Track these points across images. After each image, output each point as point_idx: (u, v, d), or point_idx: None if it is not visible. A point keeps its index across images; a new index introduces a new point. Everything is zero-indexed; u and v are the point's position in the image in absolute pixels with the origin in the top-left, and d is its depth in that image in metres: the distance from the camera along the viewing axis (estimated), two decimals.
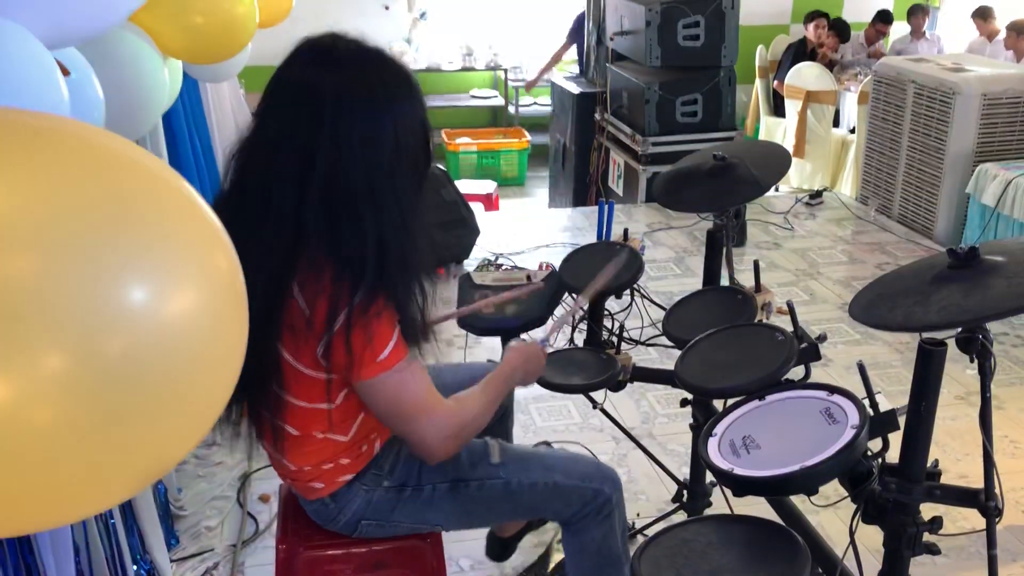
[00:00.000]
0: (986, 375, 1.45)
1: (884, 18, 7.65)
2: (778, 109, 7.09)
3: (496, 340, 2.86)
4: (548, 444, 2.95)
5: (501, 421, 2.08)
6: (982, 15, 7.26)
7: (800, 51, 7.10)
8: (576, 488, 1.80)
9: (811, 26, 7.19)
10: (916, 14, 7.51)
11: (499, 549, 2.30)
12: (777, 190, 5.95)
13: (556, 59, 7.47)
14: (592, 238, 2.94)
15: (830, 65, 6.96)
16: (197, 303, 0.95)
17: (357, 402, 1.60)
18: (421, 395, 1.54)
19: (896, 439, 1.51)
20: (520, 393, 2.33)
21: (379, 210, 1.46)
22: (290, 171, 1.45)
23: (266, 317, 1.44)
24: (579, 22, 7.02)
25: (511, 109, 8.48)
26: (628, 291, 2.27)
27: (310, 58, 1.50)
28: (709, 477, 2.38)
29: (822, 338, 1.83)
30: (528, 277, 2.33)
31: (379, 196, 1.46)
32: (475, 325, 2.20)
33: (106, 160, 0.97)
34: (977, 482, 1.51)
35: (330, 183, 1.44)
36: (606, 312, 2.32)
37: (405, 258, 1.49)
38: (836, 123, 6.64)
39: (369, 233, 1.45)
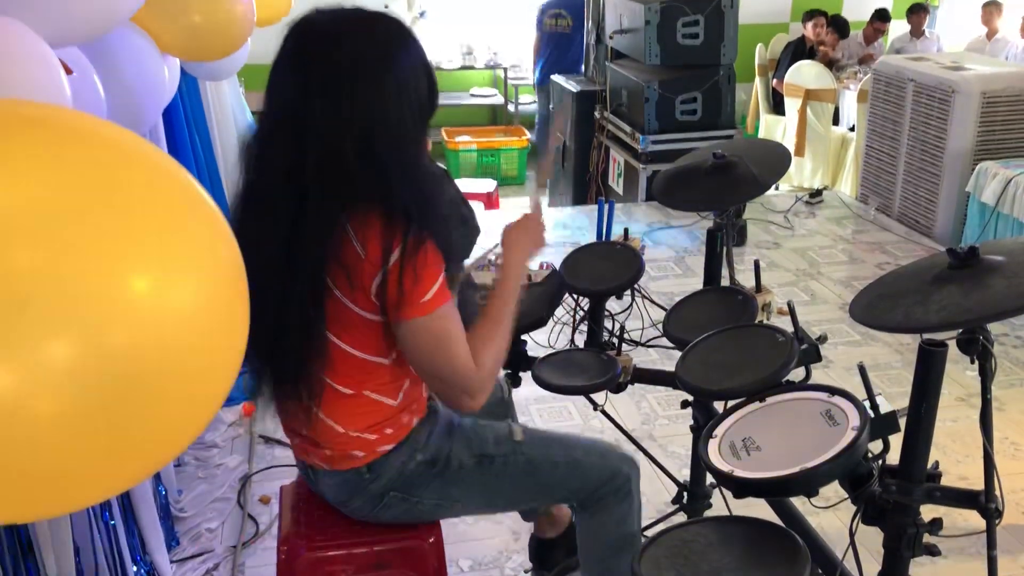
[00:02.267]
0: (987, 376, 1.45)
1: (882, 16, 7.65)
2: (778, 107, 7.09)
3: None
4: None
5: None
6: (993, 6, 7.26)
7: (799, 49, 7.10)
8: (596, 466, 1.84)
9: (810, 25, 7.20)
10: (916, 13, 7.51)
11: (538, 551, 2.26)
12: (777, 189, 5.95)
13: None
14: (592, 237, 2.93)
15: (829, 64, 6.96)
16: (199, 293, 0.96)
17: (406, 365, 1.65)
18: (460, 344, 1.58)
19: (896, 440, 1.51)
20: (520, 394, 2.33)
21: (404, 164, 1.52)
22: (303, 140, 1.50)
23: (319, 262, 1.50)
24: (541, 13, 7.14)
25: (511, 108, 8.48)
26: (628, 291, 2.27)
27: (307, 36, 1.58)
28: (709, 479, 2.37)
29: (823, 339, 1.83)
30: (528, 276, 2.33)
31: (401, 152, 1.52)
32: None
33: (109, 152, 0.97)
34: (977, 484, 1.51)
35: (357, 146, 1.49)
36: (607, 313, 2.31)
37: (436, 203, 1.56)
38: (836, 121, 6.64)
39: (402, 184, 1.50)
